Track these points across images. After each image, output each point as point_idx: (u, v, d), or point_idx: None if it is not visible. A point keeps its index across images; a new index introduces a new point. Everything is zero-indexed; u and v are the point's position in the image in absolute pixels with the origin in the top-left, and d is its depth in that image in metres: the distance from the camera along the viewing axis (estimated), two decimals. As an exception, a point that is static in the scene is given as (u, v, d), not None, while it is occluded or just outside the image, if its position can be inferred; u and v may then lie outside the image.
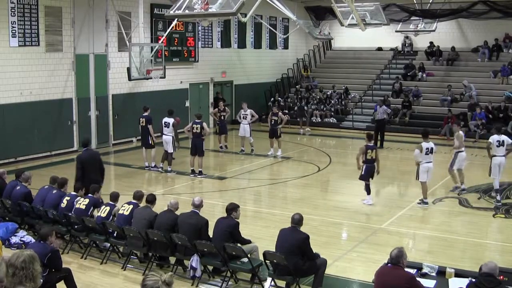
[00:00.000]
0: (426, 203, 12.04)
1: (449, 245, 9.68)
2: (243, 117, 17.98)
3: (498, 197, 12.13)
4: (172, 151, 15.33)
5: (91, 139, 18.64)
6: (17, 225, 9.71)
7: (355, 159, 12.55)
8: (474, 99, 22.10)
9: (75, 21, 17.57)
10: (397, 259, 5.91)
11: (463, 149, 12.85)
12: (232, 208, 7.92)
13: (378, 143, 19.29)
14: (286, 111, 24.68)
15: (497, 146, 12.05)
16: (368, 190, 12.11)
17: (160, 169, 15.45)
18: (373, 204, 12.17)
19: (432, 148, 11.91)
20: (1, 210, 10.23)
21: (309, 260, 7.24)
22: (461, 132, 13.06)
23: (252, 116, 17.99)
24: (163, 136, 15.31)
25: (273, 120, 17.55)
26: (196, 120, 14.88)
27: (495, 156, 12.08)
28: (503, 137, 12.18)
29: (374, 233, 10.34)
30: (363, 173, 12.09)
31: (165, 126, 15.28)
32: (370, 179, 12.10)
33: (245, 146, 18.13)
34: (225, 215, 8.03)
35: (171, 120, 15.22)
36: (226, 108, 19.05)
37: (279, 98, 25.61)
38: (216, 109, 19.07)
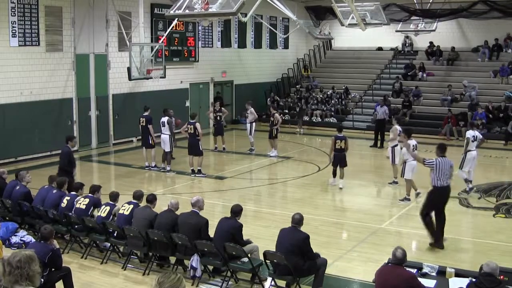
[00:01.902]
0: (409, 199, 12.34)
1: (449, 245, 9.67)
2: (246, 116, 18.09)
3: (470, 185, 12.96)
4: (169, 149, 15.34)
5: (92, 138, 18.70)
6: (17, 225, 9.71)
7: (354, 159, 12.97)
8: (474, 99, 22.10)
9: (75, 21, 17.57)
10: (403, 259, 5.92)
11: (396, 142, 13.54)
12: (239, 211, 7.93)
13: (378, 143, 19.32)
14: (286, 111, 24.81)
15: (472, 141, 12.85)
16: (334, 174, 13.83)
17: (161, 169, 15.47)
18: (336, 184, 13.66)
19: (416, 145, 12.36)
20: (1, 210, 10.25)
21: (309, 260, 7.24)
22: (396, 126, 13.71)
23: (252, 114, 18.08)
24: (161, 135, 15.33)
25: (269, 121, 17.67)
26: (190, 120, 14.95)
27: (470, 150, 12.83)
28: (477, 133, 13.26)
29: (374, 233, 10.34)
30: (333, 160, 13.81)
31: (162, 126, 15.33)
32: (339, 166, 13.61)
33: (254, 145, 18.16)
34: (226, 214, 8.01)
35: (165, 119, 15.27)
36: (222, 108, 19.02)
37: (277, 98, 25.59)
38: (212, 109, 19.07)
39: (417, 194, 12.43)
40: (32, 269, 3.80)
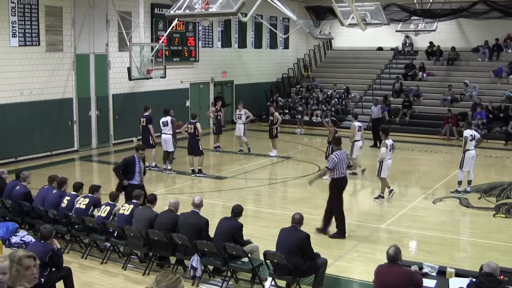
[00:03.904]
0: (383, 197, 12.57)
1: (449, 245, 9.68)
2: (238, 117, 18.13)
3: (468, 188, 13.04)
4: (172, 149, 15.35)
5: (92, 138, 18.70)
6: (17, 225, 9.72)
7: (355, 158, 13.02)
8: (475, 99, 22.09)
9: (76, 21, 17.57)
10: (395, 257, 5.96)
11: (358, 138, 14.63)
12: (240, 212, 7.95)
13: (378, 142, 19.29)
14: (287, 111, 24.81)
15: (470, 141, 12.85)
16: None
17: (162, 169, 15.46)
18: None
19: (392, 145, 12.58)
20: (2, 210, 10.25)
21: (310, 260, 7.24)
22: (354, 123, 14.77)
23: (247, 116, 18.08)
24: (163, 135, 15.31)
25: (269, 120, 17.80)
26: (191, 120, 14.97)
27: (468, 150, 12.84)
28: (474, 132, 13.24)
29: (374, 233, 10.34)
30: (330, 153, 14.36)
31: (164, 126, 15.30)
32: None
33: (243, 146, 18.19)
34: (226, 214, 8.01)
35: (169, 118, 15.27)
36: (223, 108, 19.19)
37: (279, 98, 25.60)
38: (214, 109, 19.17)
39: (391, 191, 12.65)
40: (16, 270, 3.80)
